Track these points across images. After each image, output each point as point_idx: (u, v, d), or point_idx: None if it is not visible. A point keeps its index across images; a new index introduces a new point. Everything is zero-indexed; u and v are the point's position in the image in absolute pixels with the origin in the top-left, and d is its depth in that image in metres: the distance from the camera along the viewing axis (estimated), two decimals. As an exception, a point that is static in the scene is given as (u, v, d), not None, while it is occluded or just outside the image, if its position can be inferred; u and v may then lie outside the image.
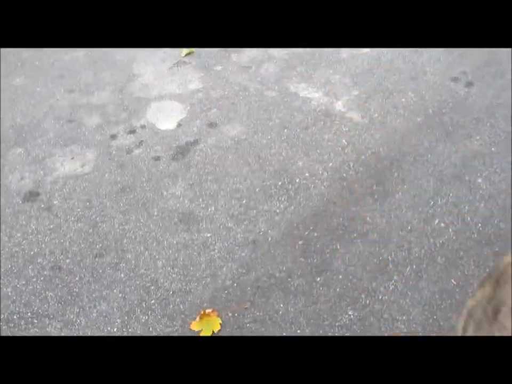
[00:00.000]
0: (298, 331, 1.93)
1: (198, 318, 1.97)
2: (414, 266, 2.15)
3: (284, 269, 2.16)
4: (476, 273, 2.11)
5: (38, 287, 2.15)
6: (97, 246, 2.30)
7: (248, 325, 1.96)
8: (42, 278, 2.18)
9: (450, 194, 2.43)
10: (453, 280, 2.08)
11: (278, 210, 2.41)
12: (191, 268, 2.18)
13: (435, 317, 1.95)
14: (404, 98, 3.00)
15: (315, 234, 2.30)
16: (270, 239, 2.29)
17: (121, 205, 2.48)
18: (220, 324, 1.96)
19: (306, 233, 2.30)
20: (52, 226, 2.40)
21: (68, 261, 2.25)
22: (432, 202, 2.41)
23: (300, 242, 2.26)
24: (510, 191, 2.43)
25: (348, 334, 1.92)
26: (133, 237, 2.33)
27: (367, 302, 2.02)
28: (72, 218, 2.43)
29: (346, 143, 2.73)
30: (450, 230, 2.28)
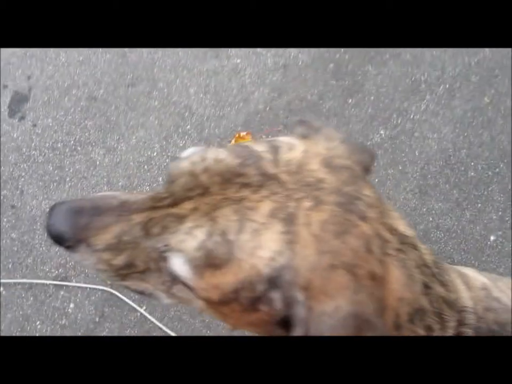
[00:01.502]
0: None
1: (233, 141, 2.05)
2: (447, 86, 2.13)
3: (316, 92, 2.17)
4: (509, 90, 2.09)
5: (76, 117, 2.22)
6: (129, 76, 2.31)
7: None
8: (79, 109, 2.24)
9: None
10: (485, 98, 2.07)
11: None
12: (223, 94, 2.20)
13: (466, 134, 1.99)
14: None
15: (346, 56, 2.25)
16: (300, 62, 2.25)
17: (147, 33, 2.42)
18: (255, 145, 2.04)
19: (338, 55, 2.25)
20: (81, 58, 2.39)
21: (101, 91, 2.28)
22: (471, 19, 2.29)
23: (331, 65, 2.23)
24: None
25: (379, 152, 1.99)
26: (163, 66, 2.32)
27: (399, 121, 2.06)
28: (100, 50, 2.41)
29: None
30: (486, 48, 2.20)
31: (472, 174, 1.95)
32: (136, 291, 0.67)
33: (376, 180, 1.93)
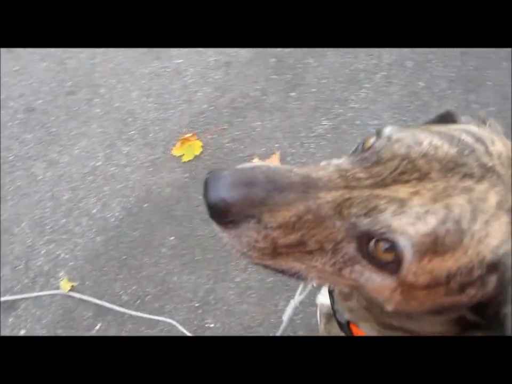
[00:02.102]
0: (276, 145, 2.03)
1: (178, 144, 2.04)
2: (385, 73, 2.18)
3: (258, 87, 2.18)
4: (444, 74, 2.16)
5: (14, 130, 2.16)
6: (68, 84, 2.26)
7: (227, 144, 2.04)
8: (17, 122, 2.18)
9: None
10: (420, 83, 2.14)
11: (246, 30, 2.34)
12: (166, 96, 2.19)
13: (404, 119, 2.05)
14: None
15: (287, 50, 2.27)
16: (242, 59, 2.27)
17: (84, 39, 2.37)
18: (201, 146, 2.04)
19: (278, 50, 2.27)
20: (16, 68, 2.32)
21: (40, 102, 2.23)
22: None
23: (272, 60, 2.25)
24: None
25: (323, 143, 2.03)
26: (103, 71, 2.28)
27: (340, 111, 2.10)
28: (37, 57, 2.34)
29: None
30: (420, 33, 2.27)
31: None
32: (276, 269, 0.65)
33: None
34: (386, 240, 0.55)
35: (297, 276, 0.65)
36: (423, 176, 0.55)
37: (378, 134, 0.62)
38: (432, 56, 2.22)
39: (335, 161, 0.62)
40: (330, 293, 0.90)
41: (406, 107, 2.08)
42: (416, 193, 0.54)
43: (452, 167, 0.55)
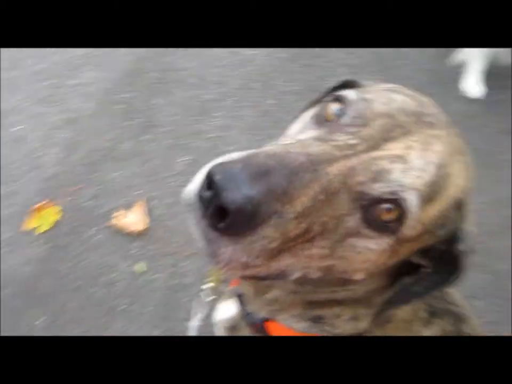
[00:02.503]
0: (139, 191, 1.94)
1: (32, 215, 1.88)
2: (235, 98, 2.19)
3: (109, 138, 2.09)
4: (290, 88, 2.21)
5: None
6: None
7: (87, 203, 1.92)
8: None
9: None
10: (269, 101, 2.17)
11: (89, 81, 2.25)
12: (11, 167, 2.02)
13: (260, 138, 2.05)
14: None
15: (133, 94, 2.21)
16: (87, 113, 2.16)
17: None
18: (60, 211, 1.90)
19: (124, 96, 2.21)
20: None
21: None
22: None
23: (119, 107, 2.18)
24: None
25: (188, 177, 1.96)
26: None
27: (197, 144, 2.06)
28: None
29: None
30: (260, 56, 2.32)
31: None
32: (263, 277, 0.58)
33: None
34: (394, 200, 0.55)
35: (281, 275, 0.60)
36: (406, 131, 0.57)
37: (340, 99, 0.61)
38: (276, 74, 2.26)
39: (309, 135, 0.59)
40: (239, 297, 0.84)
41: (260, 126, 2.09)
42: (409, 147, 0.56)
43: (421, 118, 0.58)
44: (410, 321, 0.80)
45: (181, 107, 2.17)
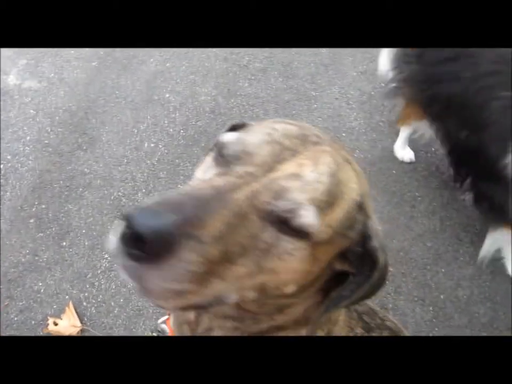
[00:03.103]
0: (66, 296, 1.95)
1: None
2: (144, 190, 2.32)
3: (27, 251, 2.10)
4: (192, 169, 2.39)
5: None
6: None
7: (16, 318, 1.89)
8: None
9: (149, 117, 2.63)
10: (178, 185, 2.33)
11: (-5, 203, 2.28)
12: None
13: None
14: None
15: (43, 206, 2.26)
16: (2, 234, 2.17)
17: None
18: (-12, 332, 1.85)
19: (34, 209, 2.25)
20: None
21: None
22: (136, 131, 2.57)
23: (32, 221, 2.21)
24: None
25: (113, 274, 2.02)
26: None
27: (117, 239, 2.13)
28: None
29: (35, 112, 2.66)
30: (160, 146, 2.50)
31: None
32: (199, 305, 0.62)
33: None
34: (297, 212, 0.61)
35: (218, 301, 0.63)
36: (294, 152, 0.65)
37: (219, 146, 0.68)
38: (180, 160, 2.45)
39: (212, 173, 0.67)
40: None
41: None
42: (301, 165, 0.63)
43: (305, 139, 0.67)
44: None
45: (93, 209, 2.25)
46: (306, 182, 0.62)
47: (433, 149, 2.41)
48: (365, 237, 0.69)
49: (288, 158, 0.64)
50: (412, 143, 2.41)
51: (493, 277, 1.96)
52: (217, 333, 0.79)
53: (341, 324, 0.86)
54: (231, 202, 0.59)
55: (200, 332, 0.81)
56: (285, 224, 0.62)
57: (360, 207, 0.68)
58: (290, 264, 0.64)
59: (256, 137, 0.66)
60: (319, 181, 0.63)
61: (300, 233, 0.62)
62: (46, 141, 2.53)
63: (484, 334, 1.81)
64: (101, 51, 3.00)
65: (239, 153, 0.65)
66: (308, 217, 0.61)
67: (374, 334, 0.94)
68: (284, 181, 0.61)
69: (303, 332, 0.78)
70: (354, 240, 0.69)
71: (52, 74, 2.87)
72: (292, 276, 0.66)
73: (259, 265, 0.63)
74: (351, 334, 0.89)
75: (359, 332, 0.91)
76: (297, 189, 0.61)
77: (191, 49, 2.97)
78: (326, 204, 0.63)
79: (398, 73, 2.15)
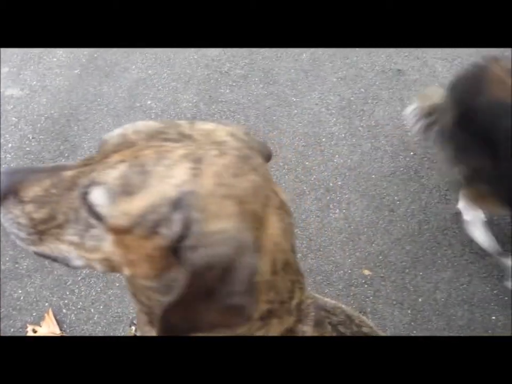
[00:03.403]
0: (46, 304, 1.95)
1: None
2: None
3: (7, 259, 2.10)
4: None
5: None
6: None
7: (-5, 327, 1.89)
8: None
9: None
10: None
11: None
12: None
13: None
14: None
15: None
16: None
17: None
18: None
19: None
20: None
21: None
22: (117, 138, 2.58)
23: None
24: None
25: (92, 281, 2.02)
26: None
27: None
28: None
29: (16, 120, 2.67)
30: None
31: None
32: (50, 257, 0.74)
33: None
34: (91, 189, 0.67)
35: (63, 260, 0.74)
36: (131, 145, 0.69)
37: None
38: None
39: None
40: None
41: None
42: (121, 155, 0.68)
43: (155, 135, 0.70)
44: None
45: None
46: (109, 167, 0.68)
47: (411, 153, 2.43)
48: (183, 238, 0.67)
49: (122, 149, 0.69)
50: (392, 147, 2.44)
51: (470, 279, 1.98)
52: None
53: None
54: (57, 176, 0.71)
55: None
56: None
57: (178, 206, 0.65)
58: (102, 244, 0.70)
59: (117, 131, 0.73)
60: (116, 167, 0.67)
61: (96, 214, 0.68)
62: (28, 148, 2.53)
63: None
64: (83, 59, 3.01)
65: (102, 142, 0.74)
66: (96, 195, 0.67)
67: None
68: (100, 167, 0.69)
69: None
70: (173, 239, 0.67)
71: (34, 82, 2.87)
72: (115, 259, 0.71)
73: (82, 240, 0.71)
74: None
75: None
76: (102, 173, 0.68)
77: (172, 56, 2.98)
78: (121, 190, 0.66)
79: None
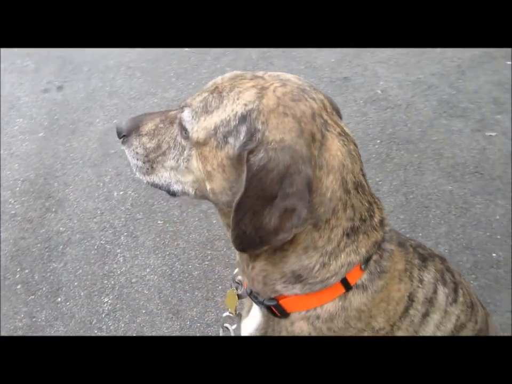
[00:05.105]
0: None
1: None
2: (125, 233, 2.36)
3: (22, 316, 2.04)
4: (167, 204, 2.48)
5: None
6: None
7: None
8: None
9: (110, 169, 2.69)
10: (159, 221, 2.40)
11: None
12: None
13: (165, 255, 2.22)
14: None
15: (26, 271, 2.23)
16: (-13, 306, 2.09)
17: None
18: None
19: (18, 276, 2.21)
20: None
21: None
22: (101, 184, 2.62)
23: (19, 286, 2.16)
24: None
25: (118, 314, 2.01)
26: None
27: (115, 282, 2.14)
28: None
29: (-8, 188, 2.64)
30: (130, 192, 2.57)
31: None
32: (158, 185, 0.98)
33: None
34: (181, 111, 0.90)
35: (167, 187, 0.96)
36: (216, 87, 0.88)
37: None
38: (153, 199, 2.52)
39: None
40: (251, 294, 0.98)
41: (161, 244, 2.28)
42: (207, 91, 0.89)
43: (235, 77, 0.88)
44: (406, 270, 0.96)
45: (80, 261, 2.25)
46: (198, 96, 0.89)
47: (378, 141, 2.67)
48: (250, 143, 0.79)
49: (211, 88, 0.89)
50: (359, 140, 2.66)
51: (463, 229, 2.19)
52: (257, 264, 0.92)
53: (397, 258, 0.95)
54: (165, 114, 0.97)
55: (247, 271, 0.96)
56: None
57: (244, 120, 0.80)
58: (190, 163, 0.90)
59: (211, 81, 0.94)
60: (201, 94, 0.89)
61: (184, 128, 0.89)
62: (12, 211, 2.51)
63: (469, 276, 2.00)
64: (45, 122, 3.06)
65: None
66: (185, 114, 0.88)
67: (429, 263, 1.03)
68: (195, 96, 0.91)
69: (313, 254, 0.88)
70: (240, 147, 0.80)
71: (2, 151, 2.87)
72: (199, 175, 0.89)
73: (178, 163, 0.93)
74: (408, 266, 0.97)
75: (416, 262, 1.00)
76: (191, 99, 0.90)
77: (133, 104, 3.12)
78: (202, 110, 0.86)
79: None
